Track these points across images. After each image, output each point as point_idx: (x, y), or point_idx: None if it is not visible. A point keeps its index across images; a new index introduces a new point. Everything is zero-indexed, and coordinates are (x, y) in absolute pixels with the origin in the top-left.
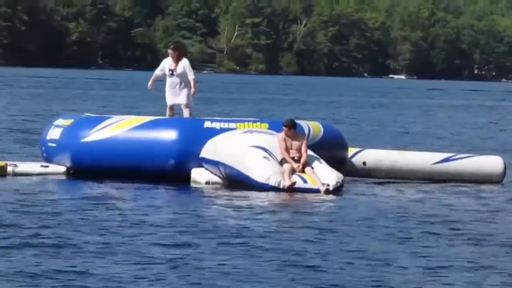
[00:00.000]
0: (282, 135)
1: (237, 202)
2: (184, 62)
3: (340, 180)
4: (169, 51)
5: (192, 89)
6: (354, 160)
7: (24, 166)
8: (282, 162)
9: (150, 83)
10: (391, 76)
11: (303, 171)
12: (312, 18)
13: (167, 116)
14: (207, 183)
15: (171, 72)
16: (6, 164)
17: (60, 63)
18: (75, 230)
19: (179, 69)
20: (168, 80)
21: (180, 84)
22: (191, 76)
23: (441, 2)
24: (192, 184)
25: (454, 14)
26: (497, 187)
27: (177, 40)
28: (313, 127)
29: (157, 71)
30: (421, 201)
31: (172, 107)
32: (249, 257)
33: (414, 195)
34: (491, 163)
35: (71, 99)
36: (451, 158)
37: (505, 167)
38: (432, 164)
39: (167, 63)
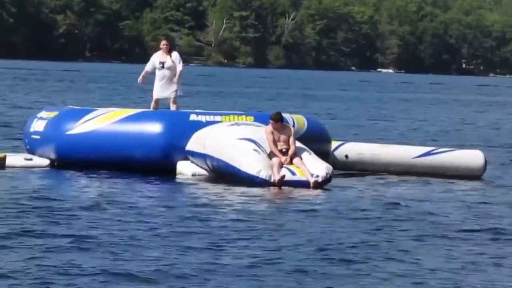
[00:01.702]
0: (269, 128)
1: (225, 196)
2: (175, 55)
3: (330, 172)
4: (163, 42)
5: (176, 79)
6: (336, 153)
7: (7, 159)
8: (270, 155)
9: (140, 78)
10: (379, 70)
11: (291, 162)
12: (300, 11)
13: (151, 109)
14: (193, 175)
15: (161, 65)
16: (5, 156)
17: (48, 56)
18: (55, 223)
19: (170, 62)
20: (158, 73)
21: (170, 78)
22: (180, 67)
23: None
24: (178, 177)
25: (442, 9)
26: (477, 181)
27: (165, 33)
28: (297, 120)
29: (147, 67)
30: (400, 195)
31: (157, 101)
32: (233, 253)
33: (395, 189)
34: (472, 157)
35: (56, 92)
36: (432, 152)
37: (485, 162)
38: (414, 157)
39: (157, 57)
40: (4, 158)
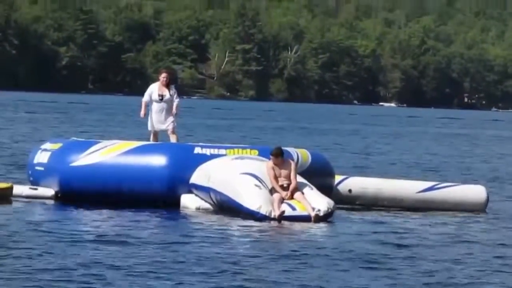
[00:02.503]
0: (270, 163)
1: (225, 230)
2: (173, 89)
3: (331, 207)
4: (163, 75)
5: (174, 110)
6: (340, 187)
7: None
8: (272, 191)
9: (142, 112)
10: (381, 103)
11: (292, 197)
12: (303, 45)
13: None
14: (197, 209)
15: (160, 98)
16: (12, 186)
17: (51, 88)
18: (62, 258)
19: (168, 95)
20: (156, 106)
21: (167, 110)
22: (177, 101)
23: (432, 31)
24: (182, 210)
25: (444, 43)
26: (480, 216)
27: (168, 66)
28: (301, 154)
29: (146, 98)
30: (406, 230)
31: (156, 133)
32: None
33: (399, 224)
34: (475, 192)
35: (58, 124)
36: (435, 187)
37: (487, 197)
38: (417, 192)
39: (155, 88)
40: (11, 188)
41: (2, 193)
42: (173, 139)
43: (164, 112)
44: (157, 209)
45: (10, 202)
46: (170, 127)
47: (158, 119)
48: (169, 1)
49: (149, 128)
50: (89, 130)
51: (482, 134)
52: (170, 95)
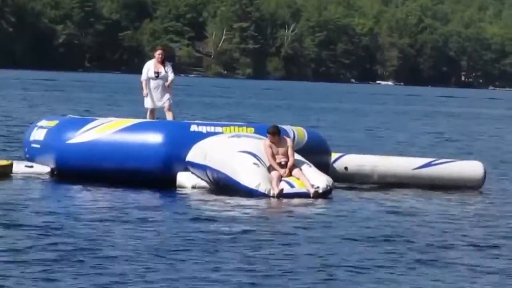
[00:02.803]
0: (267, 141)
1: (224, 209)
2: (168, 65)
3: (330, 184)
4: (158, 51)
5: (167, 84)
6: (336, 165)
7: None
8: (269, 168)
9: (144, 91)
10: (378, 82)
11: (290, 174)
12: (300, 23)
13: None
14: (193, 187)
15: (156, 75)
16: (12, 163)
17: (48, 66)
18: (53, 236)
19: (163, 71)
20: (152, 83)
21: (163, 87)
22: (171, 76)
23: (429, 9)
24: (178, 189)
25: (442, 21)
26: (477, 193)
27: (165, 44)
28: (298, 132)
29: (143, 76)
30: (400, 207)
31: (153, 111)
32: (233, 264)
33: (394, 201)
34: (472, 168)
35: (55, 102)
36: (432, 163)
37: (485, 173)
38: (414, 169)
39: (151, 66)
40: (10, 165)
41: (2, 170)
42: (169, 116)
43: (160, 89)
44: (153, 187)
45: (10, 178)
46: (166, 104)
47: (155, 96)
48: None
49: (146, 105)
50: (85, 108)
51: (479, 113)
52: (165, 71)
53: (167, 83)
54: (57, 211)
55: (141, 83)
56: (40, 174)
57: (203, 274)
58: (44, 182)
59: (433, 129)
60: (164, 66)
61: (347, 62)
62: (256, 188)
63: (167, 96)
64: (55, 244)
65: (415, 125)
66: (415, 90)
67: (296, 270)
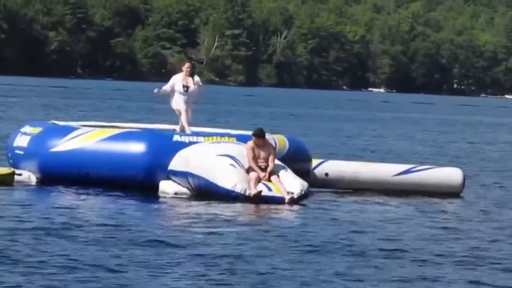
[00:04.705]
0: (250, 144)
1: (201, 213)
2: (197, 78)
3: (305, 188)
4: (187, 64)
5: (200, 87)
6: (316, 171)
7: None
8: (248, 170)
9: (158, 90)
10: (370, 89)
11: (269, 179)
12: (292, 30)
13: (184, 122)
14: (176, 194)
15: (185, 89)
16: (14, 172)
17: (40, 72)
18: (40, 242)
19: (192, 85)
20: (183, 97)
21: (189, 103)
22: (203, 88)
23: (421, 17)
24: (160, 194)
25: (434, 29)
26: (457, 200)
27: (189, 58)
28: (279, 141)
29: (167, 87)
30: (380, 214)
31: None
32: (204, 266)
33: (373, 207)
34: (451, 175)
35: (43, 107)
36: (411, 170)
37: (464, 179)
38: (393, 175)
39: (178, 79)
40: (12, 174)
41: (4, 179)
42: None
43: (188, 104)
44: (136, 194)
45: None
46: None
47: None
48: None
49: (173, 106)
50: (73, 113)
51: (464, 119)
52: (195, 84)
53: (199, 100)
54: (35, 219)
55: (163, 91)
56: (28, 182)
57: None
58: (30, 189)
59: (415, 135)
60: (193, 79)
61: (339, 70)
62: (233, 189)
63: (190, 113)
64: (35, 252)
65: (399, 131)
66: (405, 97)
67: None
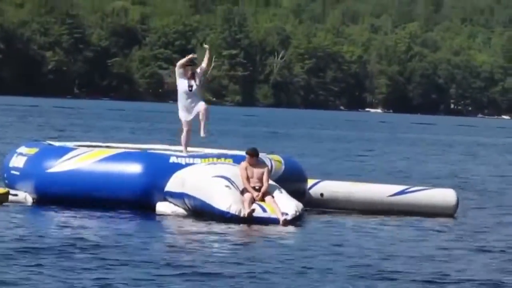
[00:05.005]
0: (244, 164)
1: (195, 233)
2: (198, 72)
3: (299, 210)
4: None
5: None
6: (312, 191)
7: None
8: (243, 191)
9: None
10: (367, 109)
11: (263, 199)
12: (289, 50)
13: (182, 143)
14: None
15: (190, 89)
16: (8, 192)
17: (37, 92)
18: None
19: (195, 85)
20: (186, 96)
21: (197, 97)
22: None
23: (418, 37)
24: (157, 215)
25: (431, 49)
26: (450, 220)
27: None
28: (274, 161)
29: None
30: (375, 235)
31: (189, 122)
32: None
33: (369, 228)
34: (445, 196)
35: (38, 127)
36: (406, 191)
37: (457, 200)
38: (388, 196)
39: (184, 78)
40: (7, 194)
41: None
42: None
43: (194, 101)
44: (134, 214)
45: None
46: (202, 108)
47: (189, 109)
48: (156, 6)
49: (181, 117)
50: (69, 134)
51: (459, 140)
52: (197, 83)
53: (204, 66)
54: (32, 238)
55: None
56: (25, 202)
57: None
58: (25, 210)
59: (410, 156)
60: (194, 79)
61: (336, 90)
62: (227, 210)
63: (200, 102)
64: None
65: (394, 152)
66: (403, 117)
67: None
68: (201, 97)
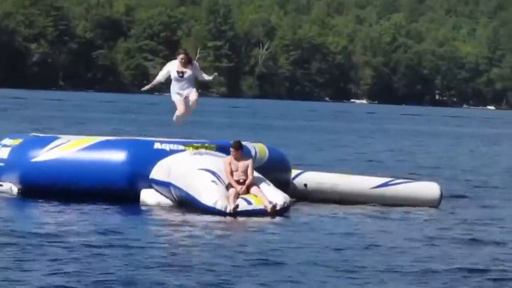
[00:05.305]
0: (228, 159)
1: (181, 225)
2: (195, 65)
3: (288, 201)
4: (181, 56)
5: (205, 78)
6: (295, 182)
7: None
8: (228, 186)
9: (148, 86)
10: (352, 100)
11: (248, 192)
12: (274, 42)
13: (180, 111)
14: (157, 204)
15: (181, 75)
16: None
17: (21, 84)
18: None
19: (189, 72)
20: (177, 84)
21: (189, 84)
22: (207, 77)
23: (403, 28)
24: (142, 206)
25: (415, 40)
26: (433, 212)
27: (184, 48)
28: (259, 149)
29: (160, 75)
30: (357, 226)
31: (182, 102)
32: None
33: (351, 220)
34: (428, 188)
35: (23, 119)
36: (389, 183)
37: (441, 193)
38: (371, 188)
39: (173, 66)
40: None
41: None
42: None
43: (186, 86)
44: (117, 204)
45: None
46: (193, 97)
47: (180, 94)
48: None
49: (173, 98)
50: (52, 126)
51: (439, 131)
52: (192, 72)
53: (203, 77)
54: (19, 230)
55: (152, 85)
56: (9, 193)
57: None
58: (11, 200)
59: (394, 147)
60: (189, 68)
61: (322, 81)
62: (214, 206)
63: (193, 90)
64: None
65: (377, 143)
66: (388, 108)
67: None
68: (193, 85)
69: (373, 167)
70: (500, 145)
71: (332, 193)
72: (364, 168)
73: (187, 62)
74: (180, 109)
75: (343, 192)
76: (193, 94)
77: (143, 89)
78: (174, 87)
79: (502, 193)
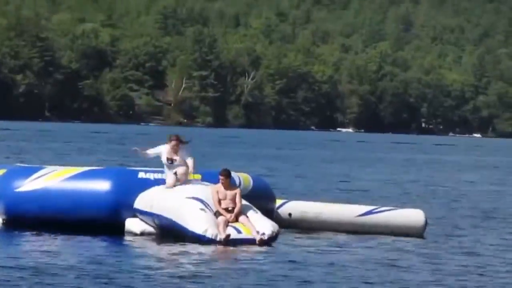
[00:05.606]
0: (215, 187)
1: (172, 255)
2: (184, 151)
3: (276, 230)
4: (173, 142)
5: (190, 169)
6: (280, 211)
7: None
8: (216, 214)
9: (138, 149)
10: (338, 129)
11: (236, 220)
12: (260, 71)
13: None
14: (142, 233)
15: (170, 162)
16: None
17: (7, 115)
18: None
19: (179, 159)
20: (168, 172)
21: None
22: (190, 162)
23: (389, 56)
24: (126, 236)
25: (401, 68)
26: (419, 240)
27: (176, 134)
28: (243, 179)
29: (151, 152)
30: (346, 255)
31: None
32: None
33: (339, 248)
34: (413, 216)
35: (8, 150)
36: (374, 211)
37: (426, 221)
38: (356, 216)
39: (164, 151)
40: None
41: None
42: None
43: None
44: (103, 235)
45: None
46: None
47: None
48: (126, 28)
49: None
50: (39, 157)
51: (425, 159)
52: (183, 156)
53: (190, 170)
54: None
55: (142, 154)
56: None
57: None
58: None
59: (379, 176)
60: (179, 154)
61: (307, 110)
62: (204, 234)
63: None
64: None
65: (362, 172)
66: (375, 137)
67: None
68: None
69: (357, 196)
70: (482, 173)
71: (317, 222)
72: (349, 196)
73: (178, 148)
74: (169, 184)
75: (328, 221)
76: (180, 168)
77: (132, 149)
78: (165, 170)
79: (486, 221)
